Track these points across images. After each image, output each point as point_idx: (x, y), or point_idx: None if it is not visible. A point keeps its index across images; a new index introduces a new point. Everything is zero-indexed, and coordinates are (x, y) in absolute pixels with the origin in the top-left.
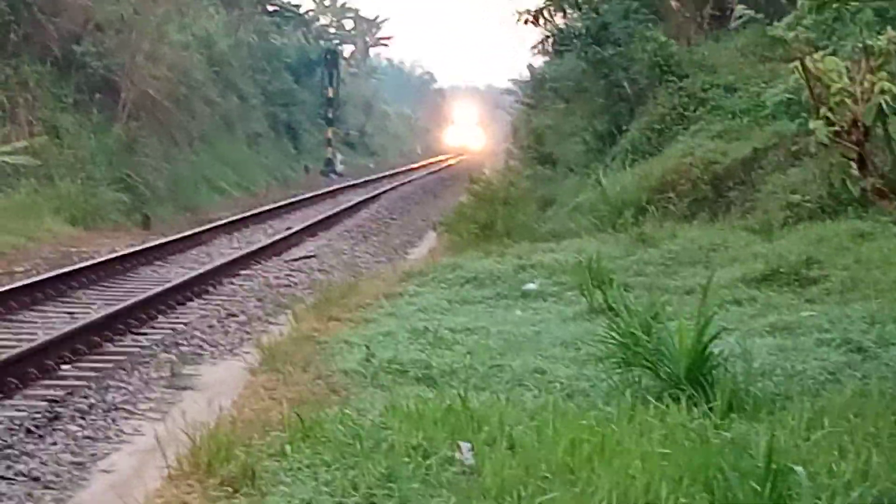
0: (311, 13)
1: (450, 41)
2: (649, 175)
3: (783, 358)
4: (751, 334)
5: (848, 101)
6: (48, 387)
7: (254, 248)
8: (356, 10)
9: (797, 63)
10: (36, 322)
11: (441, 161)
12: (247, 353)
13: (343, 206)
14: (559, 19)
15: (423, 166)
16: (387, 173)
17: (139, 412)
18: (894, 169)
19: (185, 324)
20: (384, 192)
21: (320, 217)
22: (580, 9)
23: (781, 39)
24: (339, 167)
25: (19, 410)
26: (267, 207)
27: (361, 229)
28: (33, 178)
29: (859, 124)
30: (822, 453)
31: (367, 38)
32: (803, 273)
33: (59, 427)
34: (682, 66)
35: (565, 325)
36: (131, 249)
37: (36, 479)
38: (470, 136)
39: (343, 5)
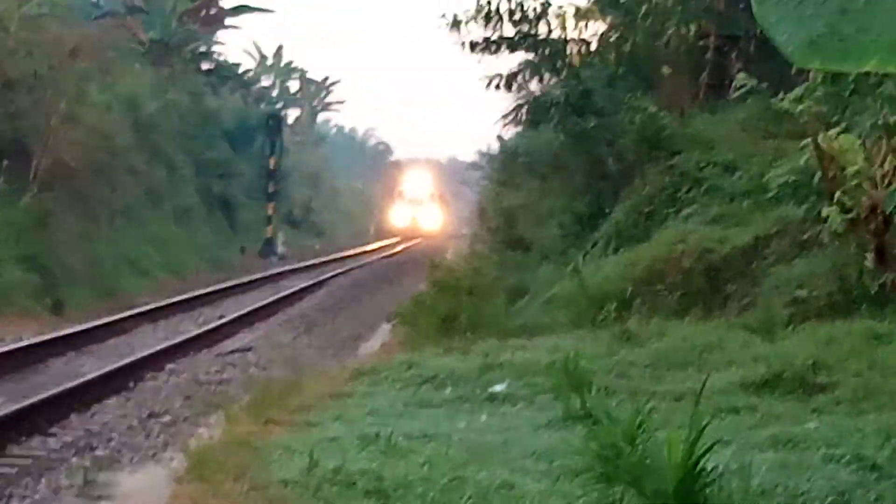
0: (251, 73)
1: (409, 108)
2: (635, 264)
3: (786, 475)
4: (749, 448)
5: (866, 184)
6: None
7: (182, 338)
8: (303, 71)
9: (808, 141)
10: None
11: (397, 243)
12: (171, 458)
13: (285, 293)
14: (534, 85)
15: (377, 249)
16: (335, 256)
17: None
18: None
19: (101, 424)
20: (332, 276)
21: (258, 305)
22: (559, 74)
23: (789, 113)
24: (281, 248)
25: None
26: (197, 293)
27: (305, 319)
28: None
29: (879, 211)
30: None
31: (315, 102)
32: (810, 379)
33: None
34: (675, 141)
35: (537, 434)
36: (41, 338)
37: None
38: (424, 214)
39: (288, 65)
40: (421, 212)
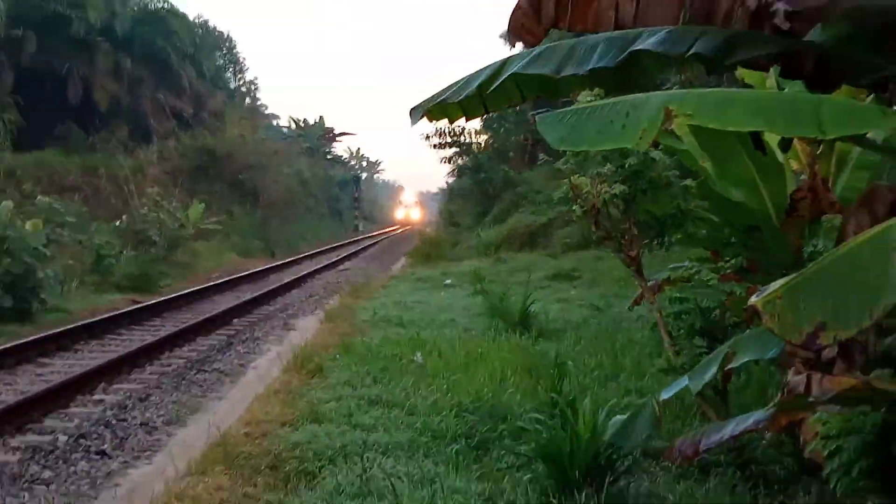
0: (345, 158)
1: (416, 166)
2: (502, 231)
3: (562, 312)
4: (547, 303)
5: (591, 196)
6: (227, 330)
7: (322, 265)
8: (367, 157)
9: (567, 180)
10: (224, 299)
11: (407, 227)
12: (319, 313)
13: (363, 246)
14: (461, 161)
15: (400, 229)
16: (383, 231)
17: (269, 341)
18: (614, 227)
19: (290, 301)
20: (381, 240)
21: (352, 251)
22: (469, 156)
23: (560, 169)
24: (361, 229)
25: (212, 342)
26: (327, 247)
27: (370, 257)
28: (220, 235)
29: (595, 207)
30: (581, 356)
31: (373, 170)
32: (572, 275)
33: (232, 349)
34: (516, 182)
35: (464, 300)
36: (267, 266)
37: (222, 372)
38: (412, 213)
39: (362, 154)
40: (410, 211)
